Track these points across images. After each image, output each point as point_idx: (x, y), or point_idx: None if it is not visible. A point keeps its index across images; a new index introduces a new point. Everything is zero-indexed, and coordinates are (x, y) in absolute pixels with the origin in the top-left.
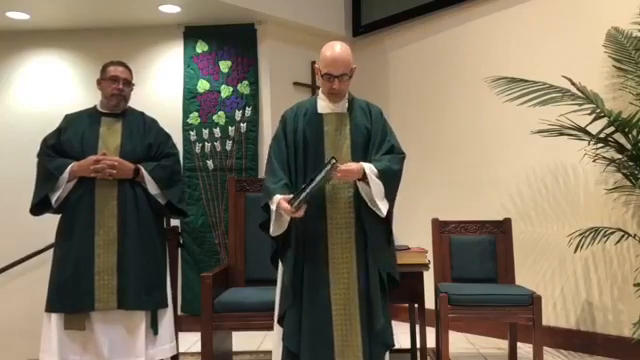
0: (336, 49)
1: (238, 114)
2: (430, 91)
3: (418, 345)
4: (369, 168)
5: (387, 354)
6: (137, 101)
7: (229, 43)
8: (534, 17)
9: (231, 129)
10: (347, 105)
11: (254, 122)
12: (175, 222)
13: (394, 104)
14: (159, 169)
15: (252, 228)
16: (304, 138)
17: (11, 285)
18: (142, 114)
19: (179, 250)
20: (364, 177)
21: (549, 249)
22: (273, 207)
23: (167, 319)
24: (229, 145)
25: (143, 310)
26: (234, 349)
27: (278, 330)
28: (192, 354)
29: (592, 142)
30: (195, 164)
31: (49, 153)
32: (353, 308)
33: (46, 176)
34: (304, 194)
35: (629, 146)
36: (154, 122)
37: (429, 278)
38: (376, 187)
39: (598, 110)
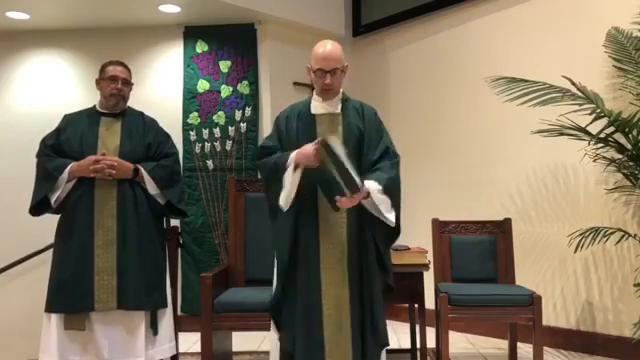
0: (327, 45)
1: (238, 114)
2: (430, 91)
3: (418, 345)
4: (373, 186)
5: (384, 353)
6: (137, 101)
7: (229, 43)
8: (534, 17)
9: (231, 129)
10: (340, 105)
11: (254, 122)
12: (175, 222)
13: (394, 104)
14: (158, 169)
15: (252, 228)
16: (297, 139)
17: (11, 285)
18: (141, 114)
19: (179, 250)
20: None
21: (549, 249)
22: (290, 165)
23: (167, 319)
24: (229, 145)
25: (143, 310)
26: (234, 349)
27: (275, 330)
28: (192, 354)
29: (592, 142)
30: (195, 164)
31: (48, 153)
32: (344, 308)
33: (45, 176)
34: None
35: (629, 146)
36: (153, 122)
37: (429, 278)
38: (383, 204)
39: (598, 110)
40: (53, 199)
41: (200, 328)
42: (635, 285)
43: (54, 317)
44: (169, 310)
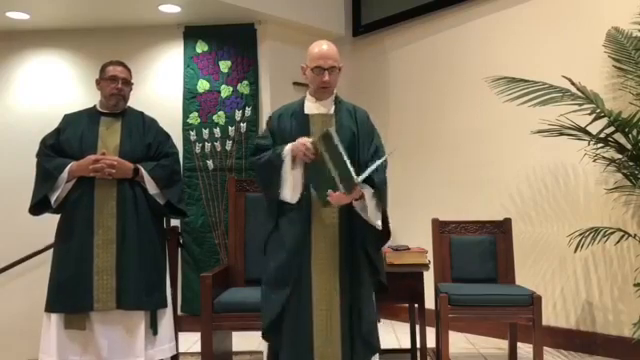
0: (324, 44)
1: (238, 114)
2: (430, 91)
3: (418, 345)
4: (367, 192)
5: (377, 357)
6: (137, 101)
7: (229, 43)
8: (534, 17)
9: (231, 129)
10: (334, 106)
11: (254, 122)
12: (175, 222)
13: (394, 104)
14: (158, 169)
15: (252, 228)
16: (291, 138)
17: (11, 285)
18: (141, 114)
19: (179, 250)
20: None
21: (549, 249)
22: (287, 156)
23: (167, 319)
24: (229, 145)
25: (142, 310)
26: (234, 349)
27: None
28: (192, 354)
29: (592, 142)
30: (195, 164)
31: (48, 153)
32: (334, 311)
33: (45, 176)
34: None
35: (629, 146)
36: (153, 122)
37: (429, 278)
38: (373, 208)
39: (598, 110)
40: (53, 199)
41: (200, 328)
42: (635, 285)
43: (54, 317)
44: (169, 310)
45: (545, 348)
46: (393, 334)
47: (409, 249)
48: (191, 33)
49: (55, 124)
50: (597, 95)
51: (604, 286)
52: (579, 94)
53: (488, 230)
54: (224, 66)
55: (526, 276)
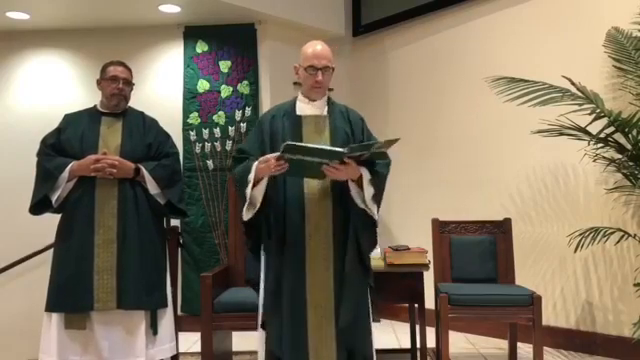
0: (318, 44)
1: (238, 114)
2: (430, 91)
3: (418, 345)
4: (365, 173)
5: None
6: (137, 101)
7: (229, 43)
8: (534, 17)
9: (231, 129)
10: (327, 107)
11: (254, 122)
12: (175, 222)
13: (394, 104)
14: (159, 168)
15: None
16: (282, 139)
17: (11, 285)
18: (142, 114)
19: (179, 250)
20: (358, 179)
21: (549, 249)
22: (251, 175)
23: (167, 319)
24: (229, 145)
25: (143, 310)
26: (234, 349)
27: (262, 331)
28: (192, 354)
29: (592, 142)
30: (195, 164)
31: (49, 152)
32: (329, 315)
33: (46, 175)
34: (301, 146)
35: (629, 146)
36: (154, 122)
37: (429, 278)
38: (369, 193)
39: (598, 110)
40: (54, 198)
41: (200, 328)
42: (635, 285)
43: (54, 317)
44: (169, 310)
45: (545, 348)
46: (393, 334)
47: (409, 249)
48: (191, 33)
49: (55, 124)
50: (597, 95)
51: (604, 286)
52: (579, 94)
53: (488, 230)
54: (224, 66)
55: (526, 276)
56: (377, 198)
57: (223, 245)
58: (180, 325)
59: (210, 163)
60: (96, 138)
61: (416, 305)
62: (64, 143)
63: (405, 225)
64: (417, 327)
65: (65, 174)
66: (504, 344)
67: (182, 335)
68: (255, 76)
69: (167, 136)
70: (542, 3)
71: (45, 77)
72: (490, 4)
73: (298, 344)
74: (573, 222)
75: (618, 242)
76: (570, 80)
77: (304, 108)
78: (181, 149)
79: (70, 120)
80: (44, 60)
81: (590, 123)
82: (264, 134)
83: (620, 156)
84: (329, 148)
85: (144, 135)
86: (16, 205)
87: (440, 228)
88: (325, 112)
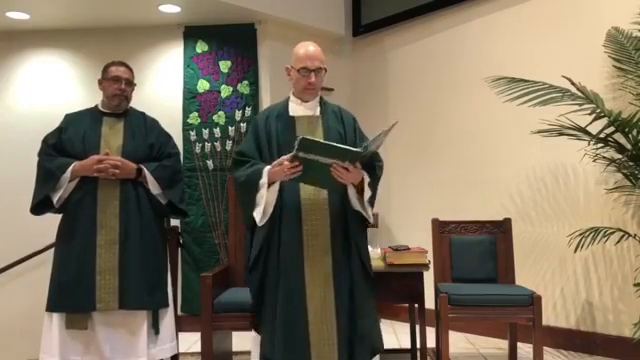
0: (310, 46)
1: (238, 114)
2: (430, 91)
3: (418, 345)
4: (366, 175)
5: (377, 358)
6: (137, 101)
7: (229, 43)
8: (534, 17)
9: (231, 129)
10: (319, 108)
11: None
12: (175, 222)
13: (394, 104)
14: (161, 169)
15: None
16: (277, 140)
17: (11, 285)
18: (143, 114)
19: (179, 250)
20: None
21: (549, 249)
22: (264, 179)
23: (168, 318)
24: (229, 145)
25: (145, 310)
26: (234, 349)
27: (255, 333)
28: (192, 354)
29: (592, 142)
30: (195, 164)
31: (50, 152)
32: (329, 311)
33: (47, 175)
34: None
35: (629, 146)
36: (155, 122)
37: (429, 278)
38: (365, 198)
39: (598, 110)
40: (55, 198)
41: (200, 328)
42: (635, 285)
43: (56, 317)
44: (170, 309)
45: (545, 348)
46: (393, 334)
47: (409, 249)
48: (191, 33)
49: (55, 124)
50: (597, 95)
51: (604, 286)
52: (579, 94)
53: (488, 230)
54: (224, 66)
55: (526, 276)
56: (372, 200)
57: (223, 245)
58: (180, 325)
59: (210, 163)
60: (98, 138)
61: (416, 305)
62: (66, 143)
63: (405, 225)
64: (417, 327)
65: (67, 174)
66: (504, 344)
67: (182, 335)
68: (255, 76)
69: (168, 137)
70: (542, 3)
71: (45, 77)
72: (490, 4)
73: (293, 347)
74: (573, 222)
75: (618, 242)
76: (570, 80)
77: (296, 109)
78: (181, 149)
79: (71, 120)
80: (44, 60)
81: (590, 123)
82: (260, 134)
83: (620, 156)
84: (345, 147)
85: (146, 136)
86: (16, 205)
87: (440, 228)
88: (318, 112)
